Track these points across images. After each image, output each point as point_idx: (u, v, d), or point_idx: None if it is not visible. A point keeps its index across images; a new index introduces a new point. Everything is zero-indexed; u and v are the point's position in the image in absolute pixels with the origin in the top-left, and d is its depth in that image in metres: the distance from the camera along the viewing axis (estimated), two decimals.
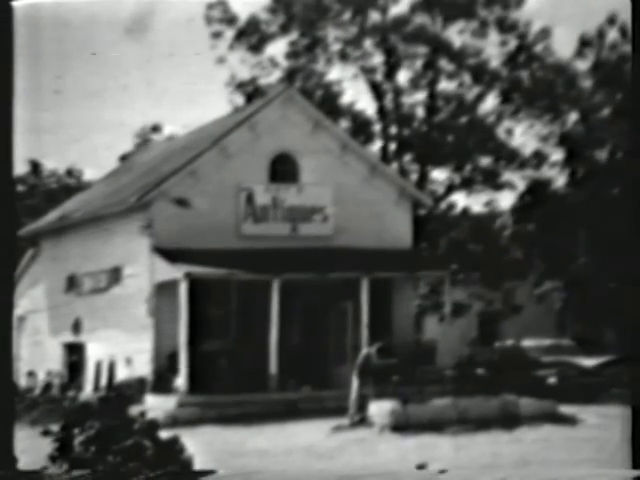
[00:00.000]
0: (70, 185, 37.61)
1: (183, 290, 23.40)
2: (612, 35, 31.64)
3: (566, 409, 21.63)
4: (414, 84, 31.67)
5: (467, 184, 32.12)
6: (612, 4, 23.61)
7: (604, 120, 31.62)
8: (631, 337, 28.73)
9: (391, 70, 31.71)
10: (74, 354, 27.75)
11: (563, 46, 31.75)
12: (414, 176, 31.64)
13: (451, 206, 32.46)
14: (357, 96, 32.06)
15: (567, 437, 19.44)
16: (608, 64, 31.60)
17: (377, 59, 31.62)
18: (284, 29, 31.75)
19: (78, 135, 26.40)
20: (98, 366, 26.26)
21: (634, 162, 28.01)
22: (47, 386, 27.15)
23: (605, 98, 31.64)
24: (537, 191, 31.81)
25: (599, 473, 15.00)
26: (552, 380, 25.21)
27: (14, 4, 17.78)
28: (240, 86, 32.18)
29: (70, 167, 40.51)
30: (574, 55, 31.75)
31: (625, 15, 17.78)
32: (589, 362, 26.03)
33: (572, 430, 20.29)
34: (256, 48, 31.98)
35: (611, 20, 31.49)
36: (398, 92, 31.82)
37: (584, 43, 31.67)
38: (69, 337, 28.08)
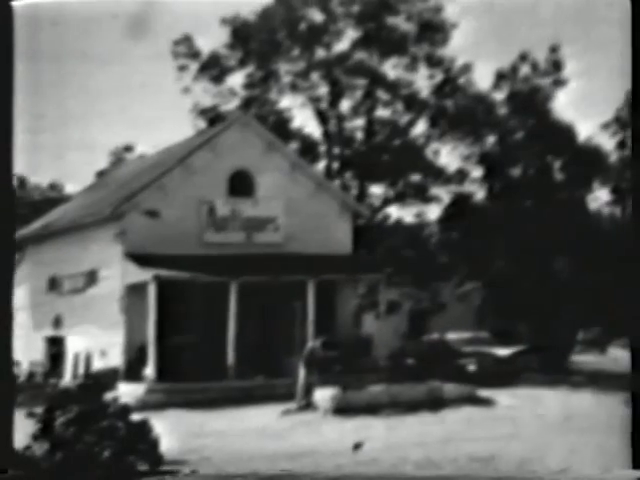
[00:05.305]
0: (52, 198, 37.28)
1: (152, 291, 23.36)
2: (524, 70, 32.13)
3: (484, 392, 21.86)
4: (355, 111, 31.86)
5: (400, 198, 32.31)
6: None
7: (518, 142, 32.05)
8: (539, 329, 29.34)
9: (335, 99, 31.86)
10: (55, 346, 27.54)
11: (482, 79, 32.22)
12: (354, 191, 31.81)
13: (386, 217, 32.66)
14: (305, 121, 32.21)
15: (485, 416, 19.63)
16: (521, 94, 32.06)
17: (323, 89, 31.77)
18: (242, 63, 31.75)
19: (60, 154, 26.26)
20: (76, 357, 26.11)
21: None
22: (31, 374, 26.90)
23: (519, 123, 32.09)
24: (460, 204, 32.10)
25: (600, 475, 14.97)
26: (471, 367, 25.49)
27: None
28: (203, 112, 32.13)
29: (53, 182, 40.24)
30: (492, 87, 32.19)
31: (625, 23, 16.70)
32: (503, 352, 26.32)
33: (489, 410, 20.50)
34: (217, 79, 31.94)
35: (523, 57, 31.99)
36: (341, 118, 32.00)
37: (500, 76, 32.13)
38: (50, 331, 27.87)
